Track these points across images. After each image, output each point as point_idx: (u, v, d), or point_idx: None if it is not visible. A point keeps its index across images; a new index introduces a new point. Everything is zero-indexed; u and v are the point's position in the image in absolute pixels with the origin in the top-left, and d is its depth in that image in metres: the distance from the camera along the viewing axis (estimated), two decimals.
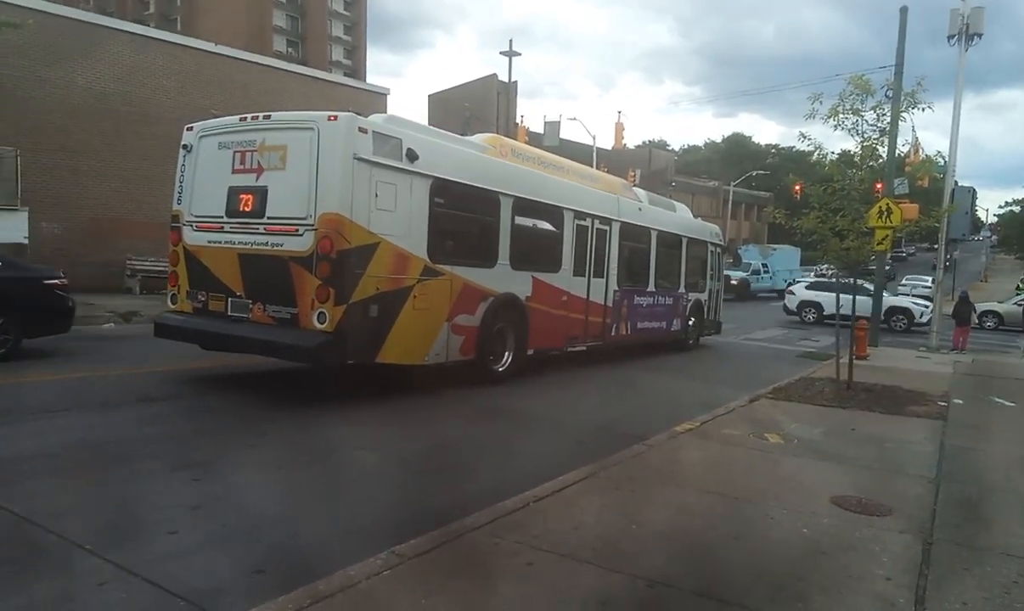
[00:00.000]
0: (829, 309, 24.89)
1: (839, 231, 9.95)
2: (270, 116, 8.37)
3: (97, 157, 20.26)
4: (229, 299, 8.27)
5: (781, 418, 8.21)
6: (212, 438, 6.49)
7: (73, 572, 3.66)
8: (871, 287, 20.02)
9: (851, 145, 10.15)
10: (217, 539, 4.20)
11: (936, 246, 21.68)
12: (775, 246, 47.04)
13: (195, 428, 6.77)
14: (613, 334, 13.10)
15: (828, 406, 9.11)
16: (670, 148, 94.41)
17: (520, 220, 10.42)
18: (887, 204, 11.29)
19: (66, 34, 19.54)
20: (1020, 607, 3.65)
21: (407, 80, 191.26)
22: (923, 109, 9.72)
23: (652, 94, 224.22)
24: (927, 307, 20.51)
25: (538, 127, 37.87)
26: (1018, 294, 33.07)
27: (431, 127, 10.67)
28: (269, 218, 7.97)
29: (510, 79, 33.39)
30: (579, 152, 29.26)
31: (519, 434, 7.68)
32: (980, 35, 18.16)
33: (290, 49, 74.79)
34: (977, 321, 25.47)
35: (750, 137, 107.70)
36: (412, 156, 8.36)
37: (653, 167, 59.36)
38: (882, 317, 25.00)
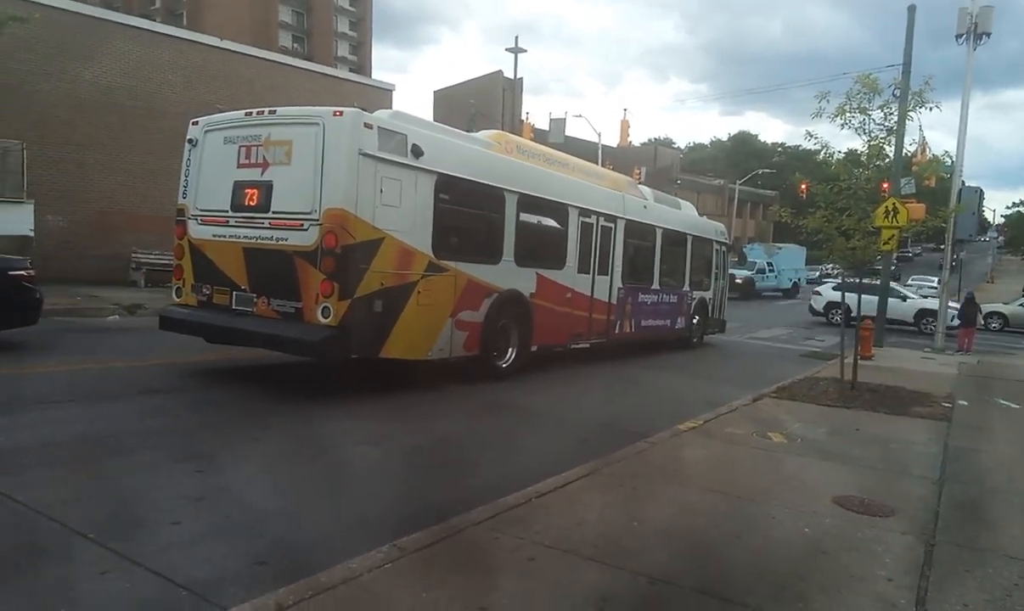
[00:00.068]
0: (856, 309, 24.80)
1: (845, 230, 9.91)
2: (275, 111, 8.37)
3: (103, 151, 20.30)
4: (234, 293, 8.30)
5: (784, 417, 8.20)
6: (216, 431, 6.50)
7: (75, 561, 3.68)
8: (902, 290, 19.88)
9: (858, 144, 10.11)
10: (220, 530, 4.22)
11: (942, 246, 21.60)
12: (780, 245, 46.88)
13: (199, 421, 6.80)
14: (617, 331, 13.10)
15: (832, 406, 9.09)
16: (676, 146, 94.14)
17: (525, 217, 10.41)
18: (893, 204, 11.21)
19: (72, 29, 19.56)
20: (1021, 609, 3.65)
21: (412, 76, 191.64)
22: (931, 108, 9.69)
23: (658, 91, 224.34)
24: (958, 309, 20.47)
25: (543, 124, 38.00)
26: None
27: (436, 123, 10.68)
28: (274, 213, 7.99)
29: (515, 76, 33.41)
30: (584, 149, 29.27)
31: (522, 430, 7.69)
32: (988, 34, 18.09)
33: (295, 45, 74.92)
34: (982, 322, 25.37)
35: (756, 135, 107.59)
36: (417, 152, 8.36)
37: (659, 165, 59.34)
38: (912, 320, 25.07)
